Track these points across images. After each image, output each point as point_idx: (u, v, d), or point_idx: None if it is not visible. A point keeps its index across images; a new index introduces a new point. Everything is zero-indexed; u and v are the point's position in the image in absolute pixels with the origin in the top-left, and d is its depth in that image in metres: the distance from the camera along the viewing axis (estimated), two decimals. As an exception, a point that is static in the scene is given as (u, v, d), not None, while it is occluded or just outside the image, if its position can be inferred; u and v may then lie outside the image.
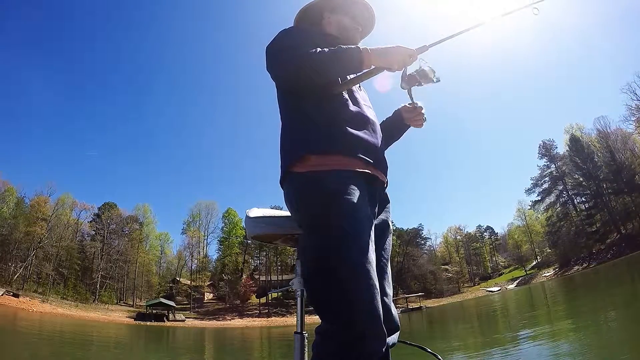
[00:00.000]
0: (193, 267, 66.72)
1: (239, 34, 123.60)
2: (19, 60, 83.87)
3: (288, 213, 1.50)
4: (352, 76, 1.49)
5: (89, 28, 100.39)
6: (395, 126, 1.76)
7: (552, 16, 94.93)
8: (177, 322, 48.23)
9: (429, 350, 1.70)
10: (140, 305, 54.30)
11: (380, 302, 1.14)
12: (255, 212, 1.56)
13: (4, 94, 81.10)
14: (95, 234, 60.09)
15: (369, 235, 1.24)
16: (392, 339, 1.33)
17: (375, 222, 1.38)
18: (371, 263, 1.17)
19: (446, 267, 69.69)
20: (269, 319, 52.91)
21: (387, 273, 1.41)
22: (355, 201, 1.24)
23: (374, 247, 1.25)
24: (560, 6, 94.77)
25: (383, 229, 1.46)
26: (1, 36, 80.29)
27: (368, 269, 1.15)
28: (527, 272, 62.09)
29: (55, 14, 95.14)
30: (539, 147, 62.33)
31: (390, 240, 1.50)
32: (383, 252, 1.43)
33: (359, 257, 1.16)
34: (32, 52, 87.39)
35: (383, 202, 1.50)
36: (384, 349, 1.13)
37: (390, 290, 1.39)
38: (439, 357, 1.68)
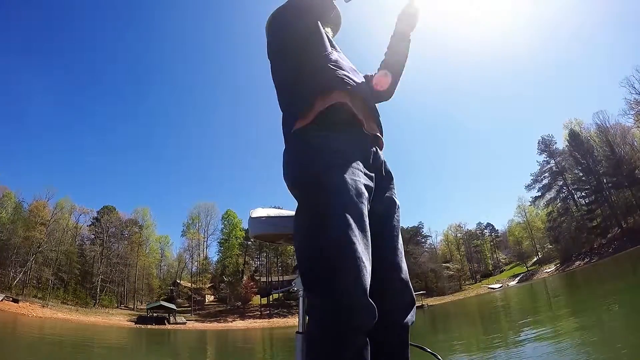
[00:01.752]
0: (193, 270, 66.67)
1: (239, 35, 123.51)
2: (17, 63, 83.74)
3: (291, 213, 1.43)
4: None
5: (86, 31, 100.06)
6: (397, 42, 1.78)
7: (550, 11, 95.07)
8: (178, 325, 48.05)
9: (429, 350, 1.65)
10: (141, 309, 54.17)
11: (366, 277, 1.09)
12: (258, 212, 1.54)
13: (1, 97, 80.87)
14: (95, 237, 59.95)
15: (360, 201, 1.17)
16: (411, 317, 1.30)
17: (381, 200, 1.34)
18: (357, 236, 1.11)
19: (447, 265, 69.68)
20: (270, 320, 52.83)
21: (398, 249, 1.35)
22: (343, 163, 1.22)
23: (365, 211, 1.18)
24: (558, 1, 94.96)
25: (389, 206, 1.39)
26: (-2, 40, 79.99)
27: (353, 244, 1.09)
28: (529, 269, 62.14)
29: (54, 17, 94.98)
30: (538, 142, 62.59)
31: (398, 217, 1.42)
32: (393, 230, 1.37)
33: (345, 232, 1.10)
34: (30, 55, 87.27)
35: (387, 176, 1.44)
36: (371, 321, 1.09)
37: (404, 265, 1.34)
38: (439, 357, 1.64)
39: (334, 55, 1.49)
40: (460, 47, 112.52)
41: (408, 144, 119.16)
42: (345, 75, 1.42)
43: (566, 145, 58.32)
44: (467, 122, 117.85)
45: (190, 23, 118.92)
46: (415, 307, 1.34)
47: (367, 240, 1.14)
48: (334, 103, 1.33)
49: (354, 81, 1.43)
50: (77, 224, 60.58)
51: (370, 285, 1.14)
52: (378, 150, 1.43)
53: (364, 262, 1.09)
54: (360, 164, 1.27)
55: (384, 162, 1.44)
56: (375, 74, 1.78)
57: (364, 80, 1.56)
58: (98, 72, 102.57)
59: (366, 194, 1.21)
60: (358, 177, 1.22)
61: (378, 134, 1.45)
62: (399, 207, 1.44)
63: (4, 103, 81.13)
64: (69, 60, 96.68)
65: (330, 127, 1.31)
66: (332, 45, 1.57)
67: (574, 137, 56.27)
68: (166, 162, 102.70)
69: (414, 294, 1.34)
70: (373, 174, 1.33)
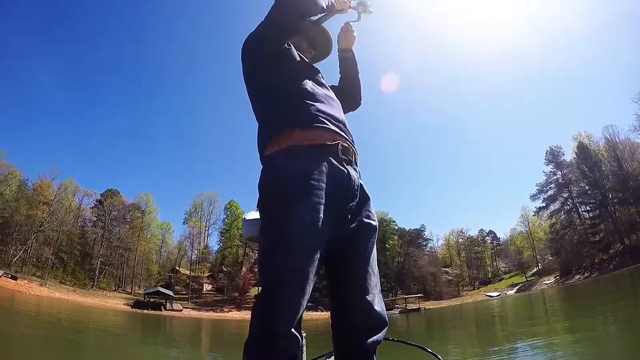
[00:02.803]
0: (193, 258, 66.92)
1: (245, 25, 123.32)
2: (26, 47, 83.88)
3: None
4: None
5: (96, 16, 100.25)
6: (346, 66, 1.90)
7: (563, 22, 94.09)
8: (174, 312, 48.34)
9: (429, 350, 1.68)
10: (138, 293, 54.51)
11: (298, 311, 1.20)
12: (252, 215, 1.55)
13: (12, 79, 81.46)
14: (97, 220, 60.12)
15: (315, 237, 1.23)
16: (379, 336, 1.35)
17: (356, 226, 1.38)
18: (304, 271, 1.19)
19: (446, 269, 69.61)
20: (266, 313, 52.80)
21: (369, 273, 1.38)
22: (307, 197, 1.24)
23: (318, 248, 1.24)
24: (572, 13, 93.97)
25: (364, 231, 1.41)
26: (11, 24, 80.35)
27: (296, 278, 1.19)
28: (528, 279, 61.94)
29: (66, 1, 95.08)
30: (546, 153, 62.24)
31: (374, 240, 1.44)
32: (364, 255, 1.39)
33: (293, 267, 1.19)
34: (41, 38, 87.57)
35: (362, 201, 1.43)
36: (292, 349, 1.21)
37: (375, 288, 1.37)
38: (439, 356, 1.66)
39: (309, 86, 1.50)
40: (470, 53, 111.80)
41: (415, 146, 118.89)
42: (320, 111, 1.43)
43: (574, 158, 57.90)
44: (475, 128, 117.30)
45: (199, 15, 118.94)
46: (386, 327, 1.38)
47: (312, 274, 1.21)
48: (310, 144, 1.35)
49: (330, 115, 1.45)
50: (80, 205, 60.90)
51: (338, 306, 1.35)
52: (353, 175, 1.40)
53: (301, 295, 1.19)
54: (324, 197, 1.27)
55: (360, 185, 1.44)
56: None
57: (339, 105, 1.59)
58: (108, 58, 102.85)
59: (321, 228, 1.24)
60: (319, 212, 1.24)
61: (351, 156, 1.44)
62: (376, 229, 1.45)
63: (15, 84, 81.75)
64: (80, 44, 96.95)
65: (302, 159, 1.32)
66: (308, 71, 1.59)
67: (582, 149, 55.82)
68: (172, 150, 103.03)
69: (384, 314, 1.37)
70: (346, 204, 1.36)
